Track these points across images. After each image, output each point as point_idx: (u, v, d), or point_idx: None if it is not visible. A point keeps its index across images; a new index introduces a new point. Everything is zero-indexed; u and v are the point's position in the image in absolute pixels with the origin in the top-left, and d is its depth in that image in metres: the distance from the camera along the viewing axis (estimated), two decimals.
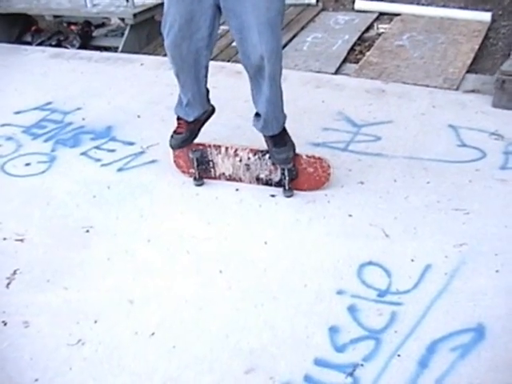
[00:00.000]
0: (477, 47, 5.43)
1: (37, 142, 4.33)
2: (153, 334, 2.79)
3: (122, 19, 6.29)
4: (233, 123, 4.26)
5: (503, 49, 5.49)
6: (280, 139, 3.55)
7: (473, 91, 4.76)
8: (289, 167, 3.56)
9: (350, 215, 3.45)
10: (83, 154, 4.15)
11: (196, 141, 3.66)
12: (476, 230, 3.30)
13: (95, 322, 2.87)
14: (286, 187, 3.62)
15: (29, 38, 6.70)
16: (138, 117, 4.52)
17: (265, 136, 3.57)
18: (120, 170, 3.96)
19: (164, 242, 3.34)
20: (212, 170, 3.72)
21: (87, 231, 3.43)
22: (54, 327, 2.85)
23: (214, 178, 3.74)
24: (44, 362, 2.69)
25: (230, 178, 3.73)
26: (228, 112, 4.32)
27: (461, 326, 2.76)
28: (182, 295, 3.00)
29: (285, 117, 3.57)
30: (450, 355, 2.62)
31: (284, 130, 3.60)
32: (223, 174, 3.73)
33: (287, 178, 3.59)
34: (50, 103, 4.82)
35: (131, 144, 4.20)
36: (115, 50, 6.05)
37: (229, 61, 5.54)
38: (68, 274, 3.15)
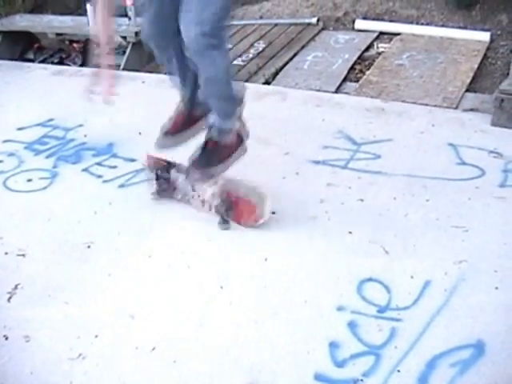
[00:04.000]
0: (476, 66, 5.46)
1: (39, 158, 4.35)
2: (153, 349, 2.80)
3: (124, 37, 6.33)
4: None
5: (502, 68, 5.53)
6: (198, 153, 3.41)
7: (472, 110, 4.79)
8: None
9: (350, 232, 3.47)
10: (85, 170, 4.17)
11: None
12: (475, 248, 3.32)
13: (96, 336, 2.88)
14: (223, 218, 3.51)
15: (31, 56, 6.73)
16: (140, 134, 4.54)
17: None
18: (121, 186, 3.98)
19: (165, 257, 3.36)
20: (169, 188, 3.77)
21: (88, 247, 3.45)
22: (55, 342, 2.87)
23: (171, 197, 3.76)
24: (45, 377, 2.70)
25: (182, 200, 3.73)
26: None
27: (460, 342, 2.77)
28: (182, 311, 3.01)
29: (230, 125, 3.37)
30: (450, 371, 2.63)
31: (208, 146, 3.39)
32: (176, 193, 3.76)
33: (221, 207, 3.53)
34: (51, 120, 4.84)
35: (133, 161, 4.22)
36: (117, 67, 6.08)
37: None
38: (69, 289, 3.16)
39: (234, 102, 3.31)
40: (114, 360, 2.76)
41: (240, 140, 3.41)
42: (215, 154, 3.35)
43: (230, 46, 3.11)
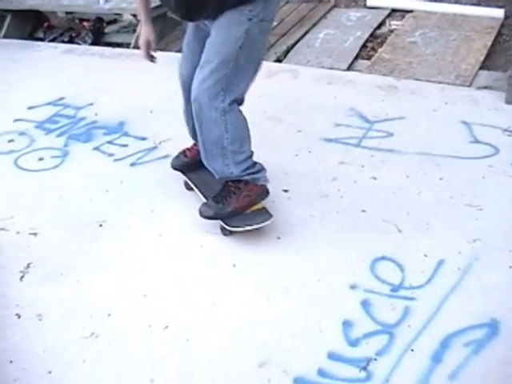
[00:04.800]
0: (489, 44, 5.40)
1: (50, 136, 4.34)
2: (166, 327, 2.80)
3: (134, 15, 6.29)
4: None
5: None
6: (218, 189, 3.28)
7: (485, 88, 4.74)
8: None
9: (363, 210, 3.45)
10: (96, 148, 4.16)
11: None
12: (489, 226, 3.30)
13: (108, 315, 2.88)
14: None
15: (41, 35, 6.70)
16: (151, 112, 4.52)
17: None
18: (133, 164, 3.97)
19: (177, 236, 3.35)
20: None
21: (100, 225, 3.44)
22: (67, 320, 2.87)
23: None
24: (57, 355, 2.70)
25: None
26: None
27: (474, 321, 2.76)
28: (194, 289, 3.01)
29: (230, 173, 3.19)
30: (464, 350, 2.62)
31: (228, 185, 3.24)
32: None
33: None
34: (62, 99, 4.82)
35: (144, 139, 4.21)
36: (127, 46, 6.04)
37: None
38: (81, 268, 3.16)
39: (231, 156, 3.16)
40: (127, 339, 2.76)
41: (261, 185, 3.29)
42: (233, 195, 3.22)
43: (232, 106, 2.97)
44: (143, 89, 4.91)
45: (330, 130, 4.21)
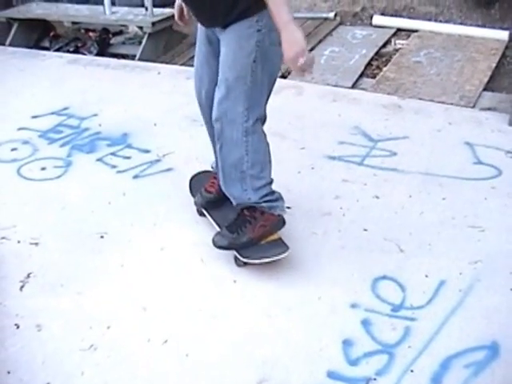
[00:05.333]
0: (494, 65, 5.42)
1: (53, 146, 4.34)
2: (165, 341, 2.78)
3: (141, 27, 6.33)
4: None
5: None
6: (233, 218, 3.20)
7: (489, 109, 4.76)
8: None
9: (365, 229, 3.45)
10: (99, 160, 4.16)
11: None
12: (491, 248, 3.30)
13: (108, 327, 2.87)
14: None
15: (47, 44, 6.74)
16: (155, 125, 4.53)
17: None
18: (136, 177, 3.97)
19: (178, 250, 3.34)
20: None
21: (101, 237, 3.43)
22: (67, 331, 2.85)
23: None
24: (56, 366, 2.69)
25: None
26: None
27: (475, 342, 2.74)
28: (195, 304, 3.00)
29: (248, 199, 3.08)
30: (464, 372, 2.61)
31: (243, 214, 3.15)
32: None
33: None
34: (66, 108, 4.84)
35: (147, 152, 4.21)
36: (132, 57, 6.07)
37: None
38: (82, 279, 3.15)
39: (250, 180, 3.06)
40: (126, 352, 2.75)
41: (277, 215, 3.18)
42: (249, 225, 3.13)
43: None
44: (147, 101, 4.92)
45: (334, 148, 4.22)
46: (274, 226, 3.17)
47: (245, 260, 3.12)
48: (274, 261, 3.12)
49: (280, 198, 3.17)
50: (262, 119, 3.03)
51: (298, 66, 2.61)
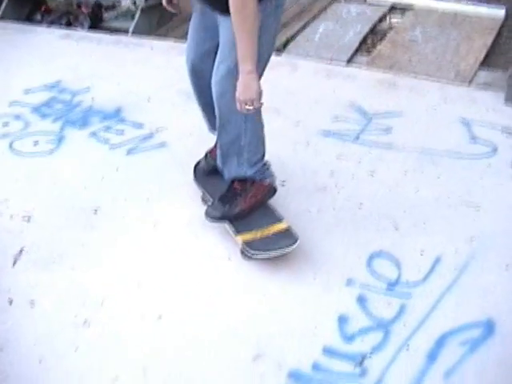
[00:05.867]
0: (489, 43, 5.38)
1: (45, 121, 4.28)
2: (160, 317, 2.78)
3: (134, 2, 6.24)
4: None
5: None
6: (224, 191, 3.21)
7: (484, 87, 4.72)
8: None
9: (360, 206, 3.43)
10: (92, 134, 4.11)
11: None
12: (486, 226, 3.29)
13: (101, 303, 2.85)
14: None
15: (38, 18, 6.63)
16: (148, 100, 4.48)
17: None
18: (129, 152, 3.92)
19: (172, 226, 3.32)
20: None
21: (95, 213, 3.40)
22: (60, 308, 2.84)
23: None
24: (49, 343, 2.68)
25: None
26: None
27: (470, 320, 2.75)
28: (189, 280, 2.99)
29: (244, 173, 3.12)
30: (459, 349, 2.62)
31: (234, 186, 3.17)
32: None
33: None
34: (58, 83, 4.76)
35: (140, 126, 4.16)
36: (125, 32, 5.97)
37: None
38: (75, 255, 3.13)
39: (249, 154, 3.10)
40: (120, 328, 2.74)
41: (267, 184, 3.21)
42: (240, 197, 3.14)
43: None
44: (141, 76, 4.86)
45: (329, 124, 4.18)
46: (265, 196, 3.20)
47: (251, 254, 3.01)
48: (282, 254, 3.03)
49: (269, 166, 3.21)
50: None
51: (244, 109, 2.78)
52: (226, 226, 3.16)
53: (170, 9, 3.25)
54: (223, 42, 2.87)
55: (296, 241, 3.03)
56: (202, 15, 3.04)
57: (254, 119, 2.99)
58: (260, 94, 2.78)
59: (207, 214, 3.17)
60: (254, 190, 3.15)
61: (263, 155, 3.17)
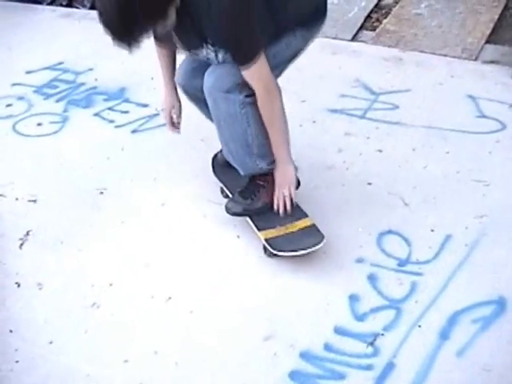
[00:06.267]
0: (496, 17, 5.30)
1: (49, 101, 4.24)
2: (169, 298, 2.76)
3: None
4: None
5: None
6: (245, 184, 3.08)
7: (492, 62, 4.66)
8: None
9: (369, 183, 3.40)
10: (96, 114, 4.07)
11: None
12: (496, 202, 3.25)
13: (110, 284, 2.84)
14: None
15: None
16: (152, 79, 4.41)
17: None
18: (134, 131, 3.89)
19: (180, 206, 3.30)
20: None
21: (101, 193, 3.38)
22: (68, 289, 2.83)
23: None
24: (58, 324, 2.67)
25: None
26: None
27: (482, 297, 2.72)
28: (198, 260, 2.97)
29: (260, 169, 2.97)
30: (471, 327, 2.59)
31: (255, 179, 3.04)
32: None
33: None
34: (61, 63, 4.71)
35: (145, 106, 4.12)
36: None
37: None
38: (82, 236, 3.11)
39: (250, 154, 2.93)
40: (129, 309, 2.72)
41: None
42: (263, 189, 3.03)
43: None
44: (144, 55, 4.69)
45: (335, 101, 4.13)
46: None
47: (276, 252, 2.90)
48: (308, 253, 2.90)
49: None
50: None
51: (284, 194, 2.92)
52: (249, 221, 3.07)
53: (173, 131, 3.31)
54: None
55: (322, 239, 2.90)
56: None
57: (255, 109, 2.82)
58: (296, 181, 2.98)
59: (227, 209, 3.05)
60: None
61: None
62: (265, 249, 2.97)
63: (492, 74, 4.46)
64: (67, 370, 2.49)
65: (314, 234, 2.96)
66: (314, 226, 3.00)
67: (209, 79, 2.78)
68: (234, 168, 3.10)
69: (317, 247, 2.88)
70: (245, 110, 2.79)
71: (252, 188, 3.03)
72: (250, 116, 2.80)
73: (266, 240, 2.93)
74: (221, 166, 3.34)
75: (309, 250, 2.88)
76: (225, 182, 3.29)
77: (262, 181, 3.01)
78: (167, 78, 3.23)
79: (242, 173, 3.03)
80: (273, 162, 2.94)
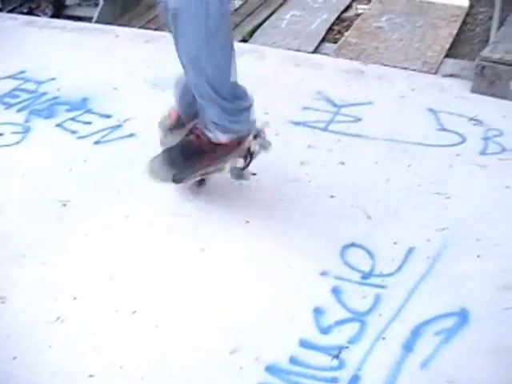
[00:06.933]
0: (455, 32, 5.41)
1: (10, 111, 4.19)
2: (134, 312, 2.74)
3: None
4: None
5: (481, 35, 5.48)
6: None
7: (451, 76, 4.75)
8: None
9: (332, 196, 3.42)
10: (58, 125, 4.02)
11: None
12: (457, 215, 3.30)
13: (74, 298, 2.81)
14: None
15: None
16: (115, 89, 4.41)
17: None
18: (97, 143, 3.86)
19: (143, 218, 3.28)
20: None
21: (64, 205, 3.35)
22: (32, 303, 2.78)
23: None
24: (22, 340, 2.62)
25: None
26: None
27: (445, 310, 2.75)
28: (163, 273, 2.95)
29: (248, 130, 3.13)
30: (435, 339, 2.62)
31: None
32: None
33: None
34: (22, 72, 4.65)
35: (108, 117, 4.09)
36: (89, 20, 5.90)
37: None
38: (45, 249, 3.07)
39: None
40: (94, 323, 2.69)
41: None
42: (199, 153, 3.08)
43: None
44: (106, 65, 4.78)
45: (298, 113, 4.16)
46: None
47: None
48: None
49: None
50: None
51: None
52: None
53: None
54: None
55: None
56: None
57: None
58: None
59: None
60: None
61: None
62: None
63: (451, 87, 4.54)
64: None
65: None
66: None
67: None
68: None
69: None
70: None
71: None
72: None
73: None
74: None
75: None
76: None
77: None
78: None
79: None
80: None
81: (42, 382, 2.47)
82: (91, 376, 2.48)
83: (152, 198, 3.40)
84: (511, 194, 3.46)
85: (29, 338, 2.62)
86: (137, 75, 4.54)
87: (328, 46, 5.32)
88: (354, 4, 6.10)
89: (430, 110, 4.22)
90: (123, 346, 2.60)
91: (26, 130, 3.98)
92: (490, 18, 5.23)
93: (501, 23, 4.89)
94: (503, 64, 4.35)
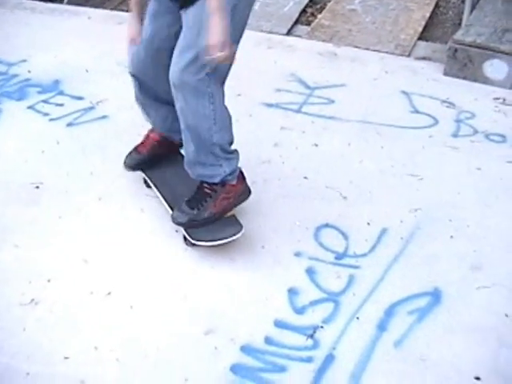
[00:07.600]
0: (428, 15, 5.43)
1: None
2: (109, 293, 2.74)
3: None
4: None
5: (453, 18, 5.51)
6: (193, 193, 2.97)
7: (424, 58, 4.78)
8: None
9: (306, 177, 3.44)
10: (30, 107, 3.99)
11: None
12: (430, 196, 3.34)
13: (48, 281, 2.79)
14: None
15: None
16: (87, 71, 4.37)
17: None
18: (69, 125, 3.83)
19: (117, 199, 3.27)
20: None
21: (37, 187, 3.32)
22: (5, 286, 2.77)
23: None
24: None
25: None
26: None
27: (417, 289, 2.80)
28: (137, 255, 2.95)
29: (224, 172, 2.91)
30: (408, 318, 2.66)
31: (203, 187, 2.94)
32: None
33: None
34: None
35: (80, 99, 4.06)
36: (60, 1, 5.83)
37: None
38: (18, 232, 3.05)
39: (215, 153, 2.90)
40: (69, 305, 2.68)
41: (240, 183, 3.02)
42: (210, 199, 2.92)
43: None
44: (78, 46, 4.73)
45: (271, 95, 4.17)
46: (239, 197, 3.00)
47: (194, 242, 2.90)
48: (226, 243, 2.90)
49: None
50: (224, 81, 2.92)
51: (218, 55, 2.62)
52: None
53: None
54: (190, 20, 2.67)
55: (241, 229, 2.90)
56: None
57: (221, 102, 2.86)
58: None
59: (174, 219, 2.92)
60: (225, 192, 2.94)
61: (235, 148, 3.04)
62: (184, 238, 2.97)
63: (424, 70, 4.58)
64: (6, 370, 2.44)
65: (232, 223, 2.96)
66: (233, 216, 3.01)
67: (181, 76, 2.71)
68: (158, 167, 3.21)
69: (235, 237, 2.90)
70: (214, 105, 2.81)
71: (199, 197, 2.93)
72: (217, 111, 2.84)
73: (186, 230, 2.93)
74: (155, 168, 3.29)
75: (227, 240, 2.89)
76: (160, 189, 3.20)
77: (209, 189, 2.93)
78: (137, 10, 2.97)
79: (201, 179, 2.96)
80: (235, 168, 2.98)
81: (16, 365, 2.45)
82: (66, 358, 2.47)
83: (125, 180, 3.39)
84: (483, 175, 3.51)
85: (2, 321, 2.61)
86: (109, 57, 4.51)
87: (301, 29, 5.31)
88: None
89: (403, 92, 4.25)
90: (98, 327, 2.59)
91: None
92: (463, 2, 5.24)
93: (473, 7, 4.92)
94: (475, 47, 4.39)
